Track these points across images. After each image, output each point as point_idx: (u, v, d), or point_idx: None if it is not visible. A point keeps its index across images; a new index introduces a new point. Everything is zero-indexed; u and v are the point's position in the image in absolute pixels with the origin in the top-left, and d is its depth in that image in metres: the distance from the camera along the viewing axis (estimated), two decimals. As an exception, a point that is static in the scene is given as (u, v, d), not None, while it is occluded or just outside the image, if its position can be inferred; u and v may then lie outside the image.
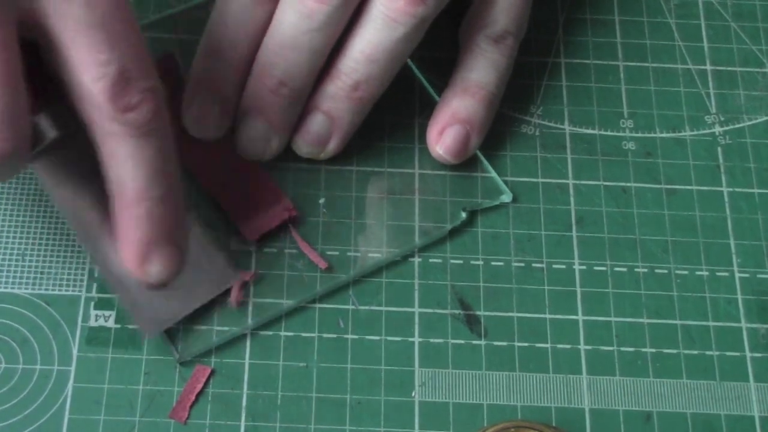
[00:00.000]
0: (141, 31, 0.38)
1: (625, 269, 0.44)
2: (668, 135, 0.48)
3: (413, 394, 0.42)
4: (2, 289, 0.43)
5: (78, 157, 0.40)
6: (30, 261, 0.43)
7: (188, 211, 0.40)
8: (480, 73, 0.46)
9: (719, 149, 0.48)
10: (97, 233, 0.40)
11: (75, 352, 0.42)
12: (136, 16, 0.37)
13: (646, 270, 0.44)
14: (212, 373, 0.42)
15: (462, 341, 0.43)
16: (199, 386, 0.41)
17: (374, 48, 0.43)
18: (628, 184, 0.46)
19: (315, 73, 0.44)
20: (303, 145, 0.45)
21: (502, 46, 0.46)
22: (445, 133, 0.45)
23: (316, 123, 0.45)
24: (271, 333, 0.42)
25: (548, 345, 0.43)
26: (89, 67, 0.36)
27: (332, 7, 0.43)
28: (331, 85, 0.44)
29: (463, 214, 0.45)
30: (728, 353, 0.43)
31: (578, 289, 0.44)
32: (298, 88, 0.44)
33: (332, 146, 0.45)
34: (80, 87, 0.36)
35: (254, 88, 0.44)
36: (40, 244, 0.44)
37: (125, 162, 0.37)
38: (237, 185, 0.45)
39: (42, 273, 0.43)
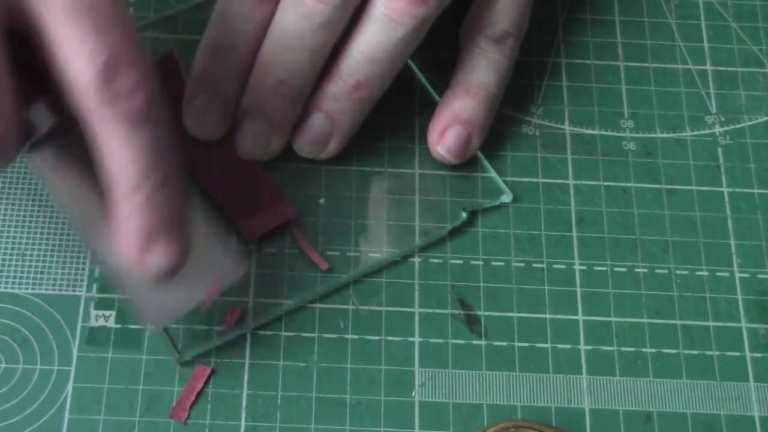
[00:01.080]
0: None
1: (625, 269, 0.44)
2: (668, 135, 0.48)
3: (413, 394, 0.42)
4: (2, 289, 0.43)
5: (73, 148, 0.38)
6: (30, 261, 0.43)
7: (188, 203, 0.38)
8: (481, 73, 0.46)
9: (719, 149, 0.48)
10: (96, 226, 0.39)
11: (75, 352, 0.42)
12: (123, 2, 0.36)
13: (646, 270, 0.44)
14: (212, 373, 0.42)
15: (462, 341, 0.43)
16: (199, 386, 0.41)
17: (375, 48, 0.43)
18: (629, 184, 0.46)
19: (315, 73, 0.44)
20: (303, 145, 0.45)
21: (503, 47, 0.46)
22: (446, 134, 0.45)
23: (316, 123, 0.45)
24: (271, 333, 0.42)
25: (548, 345, 0.43)
26: (77, 56, 0.35)
27: (332, 7, 0.43)
28: (331, 85, 0.44)
29: (464, 214, 0.45)
30: (728, 353, 0.43)
31: (578, 289, 0.44)
32: (298, 88, 0.44)
33: (332, 146, 0.45)
34: (70, 77, 0.35)
35: (254, 87, 0.44)
36: (40, 244, 0.44)
37: (119, 150, 0.36)
38: (237, 185, 0.45)
39: (42, 273, 0.43)
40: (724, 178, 0.47)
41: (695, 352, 0.43)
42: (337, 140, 0.45)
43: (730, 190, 0.46)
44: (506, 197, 0.46)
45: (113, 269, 0.39)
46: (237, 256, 0.42)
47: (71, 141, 0.38)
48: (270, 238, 0.44)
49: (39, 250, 0.44)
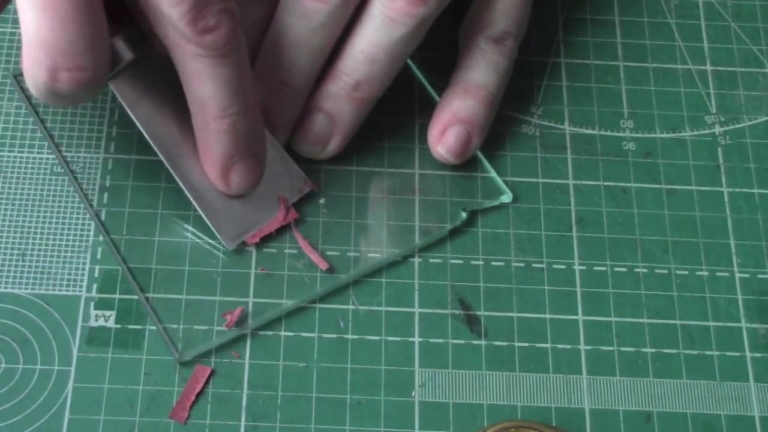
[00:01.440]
0: None
1: (625, 269, 0.44)
2: (668, 135, 0.48)
3: (413, 394, 0.42)
4: (2, 289, 0.43)
5: (153, 74, 0.42)
6: (30, 261, 0.43)
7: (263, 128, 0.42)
8: (480, 73, 0.46)
9: (719, 149, 0.48)
10: (176, 146, 0.43)
11: (75, 352, 0.42)
12: None
13: (646, 270, 0.44)
14: (212, 373, 0.42)
15: (462, 341, 0.43)
16: (199, 386, 0.41)
17: (374, 48, 0.43)
18: (628, 184, 0.46)
19: (315, 72, 0.44)
20: (303, 145, 0.45)
21: (502, 47, 0.46)
22: (446, 134, 0.45)
23: (316, 123, 0.45)
24: (271, 333, 0.42)
25: (548, 345, 0.43)
26: None
27: (331, 6, 0.43)
28: (331, 85, 0.44)
29: (464, 214, 0.45)
30: (728, 353, 0.43)
31: (578, 289, 0.44)
32: (298, 88, 0.44)
33: (333, 146, 0.45)
34: (158, 12, 0.38)
35: (255, 87, 0.44)
36: (40, 244, 0.44)
37: (206, 81, 0.39)
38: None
39: (42, 273, 0.43)
40: (724, 178, 0.47)
41: (695, 352, 0.43)
42: (337, 140, 0.45)
43: (730, 190, 0.46)
44: (506, 197, 0.46)
45: (191, 187, 0.43)
46: (300, 176, 0.44)
47: (150, 69, 0.42)
48: (270, 238, 0.44)
49: (39, 250, 0.44)
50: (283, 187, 0.44)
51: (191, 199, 0.43)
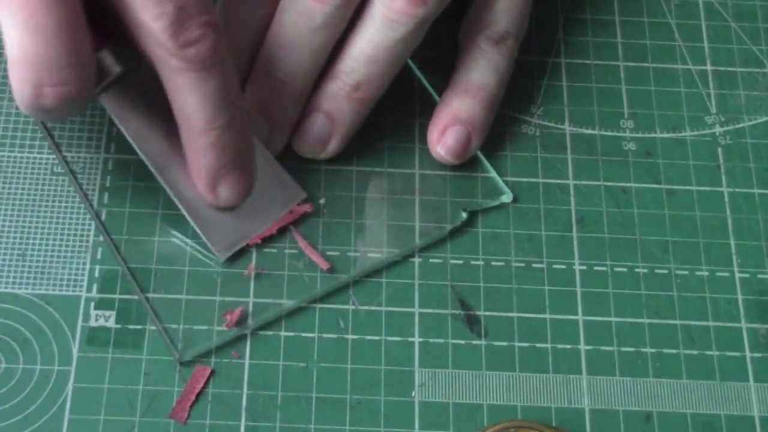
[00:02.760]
0: None
1: (625, 269, 0.44)
2: (668, 135, 0.48)
3: (413, 394, 0.42)
4: (2, 289, 0.43)
5: (143, 87, 0.41)
6: (30, 261, 0.43)
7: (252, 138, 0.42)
8: (480, 73, 0.46)
9: (719, 149, 0.48)
10: (166, 159, 0.42)
11: (75, 352, 0.42)
12: None
13: (646, 270, 0.44)
14: (212, 373, 0.42)
15: (462, 341, 0.43)
16: (199, 386, 0.41)
17: (375, 48, 0.43)
18: (629, 185, 0.46)
19: (316, 72, 0.44)
20: (303, 145, 0.45)
21: (503, 47, 0.46)
22: (446, 134, 0.45)
23: (316, 123, 0.45)
24: (271, 333, 0.43)
25: (548, 345, 0.43)
26: (148, 6, 0.37)
27: (332, 6, 0.43)
28: (331, 85, 0.44)
29: (464, 215, 0.45)
30: (728, 353, 0.43)
31: (578, 289, 0.44)
32: (299, 88, 0.44)
33: (332, 146, 0.45)
34: (141, 26, 0.37)
35: (255, 87, 0.44)
36: (40, 244, 0.44)
37: (190, 95, 0.38)
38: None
39: (42, 273, 0.43)
40: (724, 178, 0.47)
41: (695, 352, 0.43)
42: (336, 140, 0.45)
43: (730, 190, 0.46)
44: (506, 197, 0.46)
45: (182, 199, 0.42)
46: (293, 187, 0.44)
47: (138, 82, 0.41)
48: (270, 239, 0.44)
49: (39, 250, 0.44)
50: (276, 199, 0.44)
51: (183, 210, 0.43)
